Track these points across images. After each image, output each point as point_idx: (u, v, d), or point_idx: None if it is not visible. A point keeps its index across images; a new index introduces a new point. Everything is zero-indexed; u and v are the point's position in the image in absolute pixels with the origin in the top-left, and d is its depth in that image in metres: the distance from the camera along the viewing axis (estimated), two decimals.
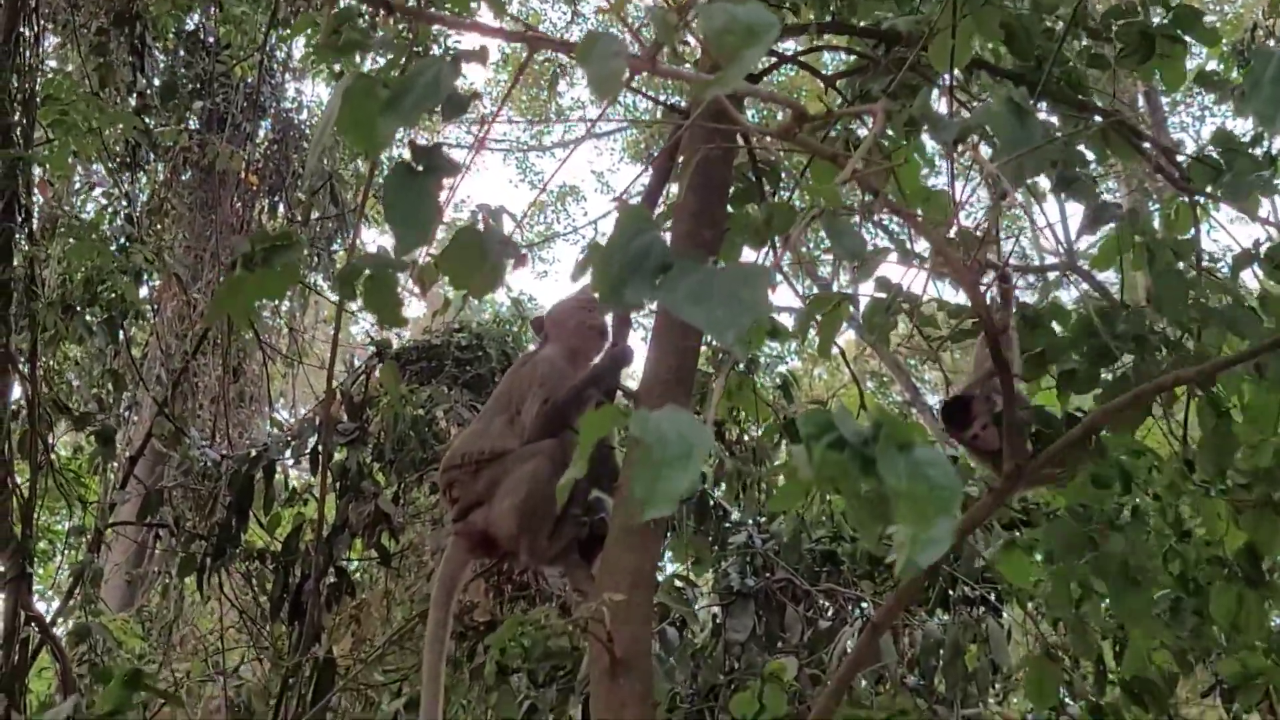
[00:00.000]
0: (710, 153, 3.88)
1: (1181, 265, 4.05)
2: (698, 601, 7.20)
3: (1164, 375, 3.74)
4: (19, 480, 7.55)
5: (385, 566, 7.66)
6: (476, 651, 6.89)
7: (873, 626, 3.90)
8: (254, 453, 7.60)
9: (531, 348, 4.69)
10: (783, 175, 5.25)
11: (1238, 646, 4.73)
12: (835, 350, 5.23)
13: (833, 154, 2.80)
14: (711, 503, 7.25)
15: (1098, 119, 4.48)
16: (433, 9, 4.04)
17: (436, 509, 8.04)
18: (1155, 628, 4.45)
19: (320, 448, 7.11)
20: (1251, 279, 4.32)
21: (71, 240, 8.04)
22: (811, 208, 2.56)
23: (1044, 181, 3.95)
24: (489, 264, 2.40)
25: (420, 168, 2.33)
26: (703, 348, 4.40)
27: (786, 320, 5.70)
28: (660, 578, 6.25)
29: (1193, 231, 4.24)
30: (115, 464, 9.13)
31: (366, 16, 3.96)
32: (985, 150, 4.03)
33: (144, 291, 9.45)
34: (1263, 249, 4.00)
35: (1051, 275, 5.15)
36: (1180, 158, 4.52)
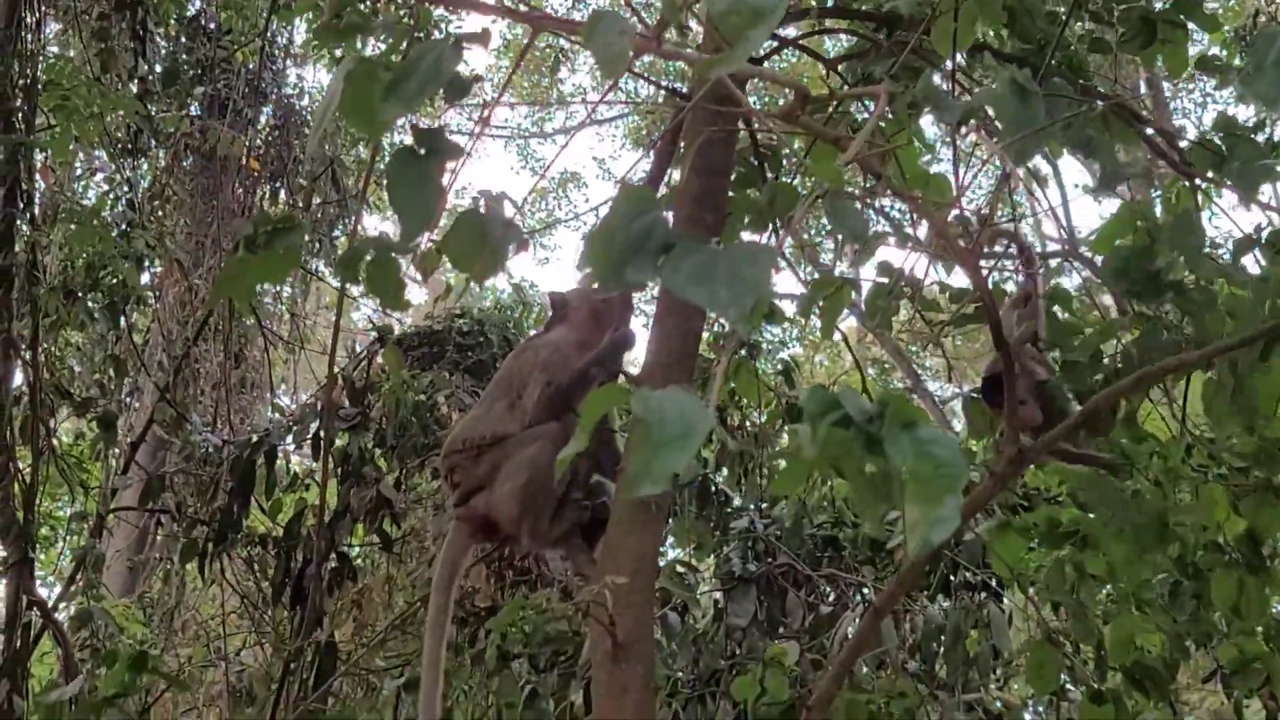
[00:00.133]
0: (712, 136, 3.87)
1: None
2: (699, 586, 7.21)
3: (1166, 359, 3.74)
4: (21, 466, 7.55)
5: (387, 552, 7.67)
6: (478, 637, 6.90)
7: (874, 611, 3.90)
8: (255, 438, 7.60)
9: (533, 333, 4.68)
10: (784, 161, 5.25)
11: (1237, 631, 4.73)
12: (837, 335, 5.23)
13: (835, 136, 2.80)
14: (713, 488, 7.26)
15: (1099, 104, 4.47)
16: None
17: (438, 494, 8.05)
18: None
19: (322, 433, 7.11)
20: (1253, 265, 4.31)
21: (73, 225, 8.04)
22: (814, 190, 2.56)
23: (1045, 166, 3.95)
24: (491, 248, 2.39)
25: (423, 151, 2.33)
26: (704, 333, 4.40)
27: (788, 306, 5.71)
28: (662, 563, 6.26)
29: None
30: (117, 449, 9.14)
31: (368, 1, 3.96)
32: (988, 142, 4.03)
33: (145, 277, 9.44)
34: (1264, 234, 3.99)
35: (1053, 261, 5.14)
36: (1182, 143, 4.51)
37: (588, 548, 4.08)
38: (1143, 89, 16.95)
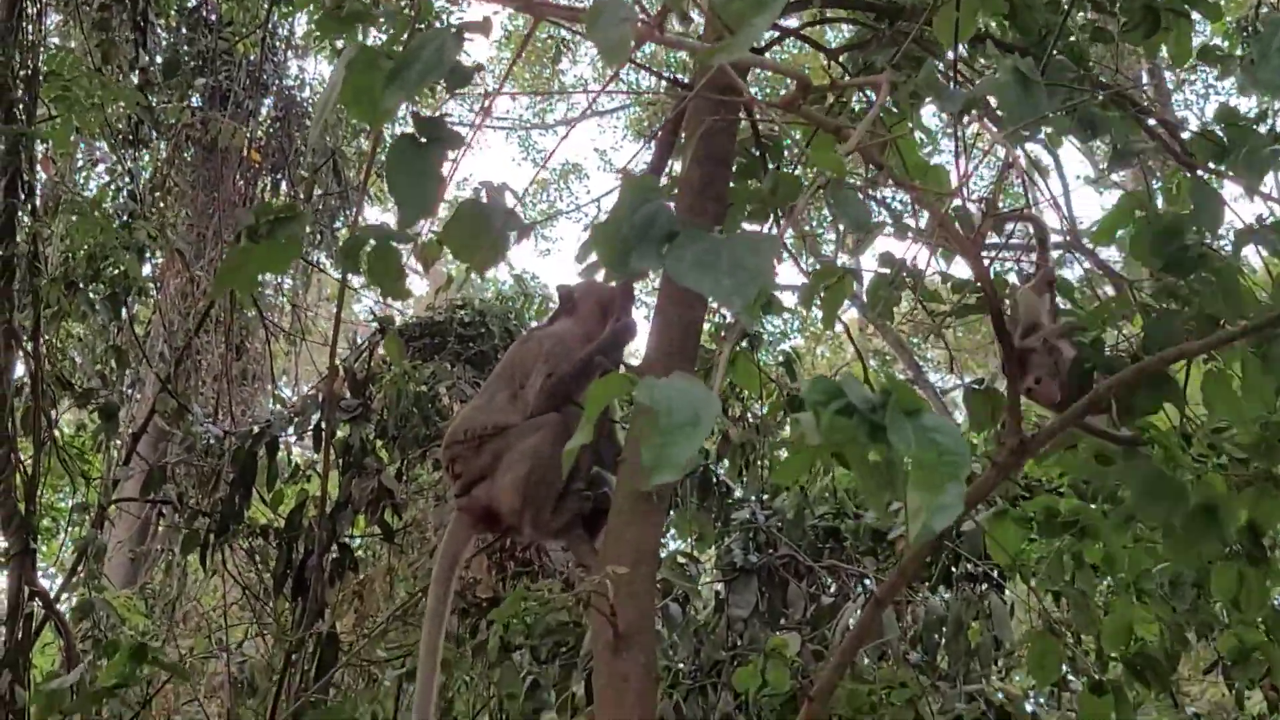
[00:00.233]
0: (714, 126, 3.87)
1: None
2: (701, 578, 7.21)
3: (1166, 350, 3.73)
4: (22, 457, 7.56)
5: (388, 542, 7.67)
6: (479, 628, 6.91)
7: (875, 601, 3.89)
8: (257, 429, 7.60)
9: (534, 324, 4.67)
10: (785, 151, 5.24)
11: (1237, 621, 4.73)
12: (839, 327, 5.23)
13: (837, 126, 2.80)
14: (715, 480, 7.26)
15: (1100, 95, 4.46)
16: None
17: (439, 485, 8.05)
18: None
19: (323, 424, 7.12)
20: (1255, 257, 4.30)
21: (74, 217, 8.04)
22: (816, 179, 2.55)
23: (1046, 157, 3.95)
24: (492, 238, 2.39)
25: (423, 140, 2.33)
26: (705, 324, 4.40)
27: (788, 297, 5.71)
28: (663, 554, 6.27)
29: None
30: (118, 441, 9.15)
31: None
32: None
33: (147, 268, 9.44)
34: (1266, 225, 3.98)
35: (1055, 253, 5.14)
36: (1184, 134, 4.51)
37: (589, 538, 4.08)
38: (1144, 80, 16.92)
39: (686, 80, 6.00)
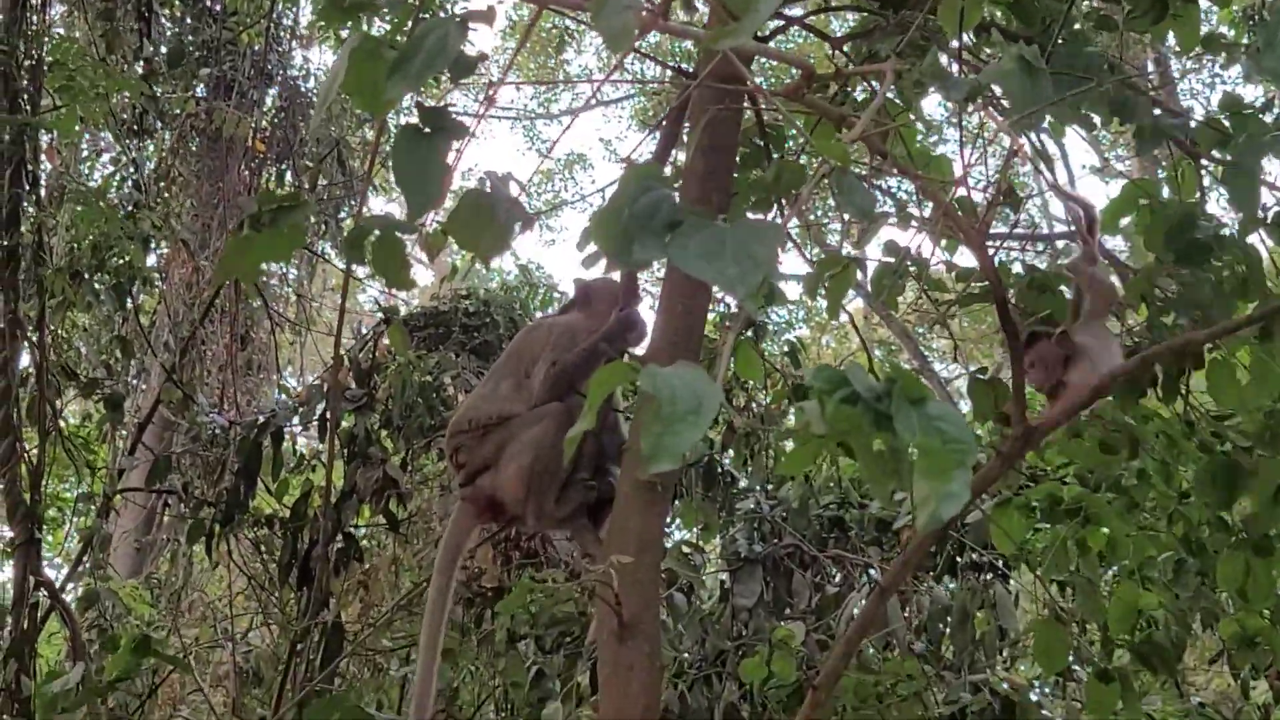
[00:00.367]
0: (718, 115, 3.86)
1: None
2: (705, 567, 7.21)
3: (1173, 339, 3.73)
4: (28, 447, 7.57)
5: (393, 532, 7.67)
6: (484, 618, 6.91)
7: (880, 590, 3.89)
8: (262, 419, 7.59)
9: (539, 315, 4.67)
10: (789, 141, 5.23)
11: (1241, 608, 4.72)
12: (844, 317, 5.21)
13: (841, 114, 2.79)
14: (719, 469, 7.26)
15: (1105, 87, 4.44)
16: None
17: (444, 475, 8.05)
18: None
19: (328, 414, 7.11)
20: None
21: (79, 207, 8.04)
22: (820, 168, 2.54)
23: (1052, 146, 3.93)
24: (496, 228, 2.39)
25: (428, 129, 2.33)
26: (709, 314, 4.39)
27: (791, 287, 5.70)
28: (668, 544, 6.26)
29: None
30: (123, 430, 9.16)
31: None
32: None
33: (151, 258, 9.45)
34: (1270, 214, 3.97)
35: (1060, 242, 5.12)
36: (1190, 123, 4.49)
37: (593, 528, 4.09)
38: (1150, 69, 16.87)
39: (691, 70, 5.98)
